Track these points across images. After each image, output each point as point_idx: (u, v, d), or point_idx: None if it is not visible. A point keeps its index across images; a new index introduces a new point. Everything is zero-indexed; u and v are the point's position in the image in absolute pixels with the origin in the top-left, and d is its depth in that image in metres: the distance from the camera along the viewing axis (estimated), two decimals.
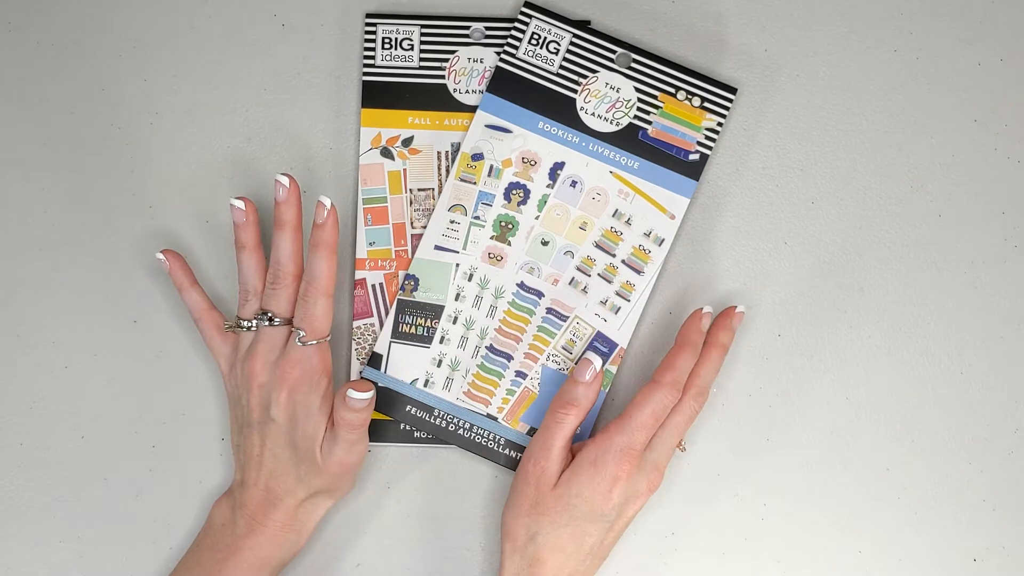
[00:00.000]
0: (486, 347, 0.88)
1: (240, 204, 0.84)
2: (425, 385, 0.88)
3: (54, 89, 0.91)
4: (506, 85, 0.88)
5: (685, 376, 0.83)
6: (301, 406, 0.82)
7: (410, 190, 0.89)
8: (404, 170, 0.89)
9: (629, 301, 0.87)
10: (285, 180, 0.82)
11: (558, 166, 0.88)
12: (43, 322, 0.90)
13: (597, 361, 0.83)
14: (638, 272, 0.88)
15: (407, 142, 0.89)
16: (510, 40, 0.88)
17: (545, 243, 0.88)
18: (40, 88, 0.91)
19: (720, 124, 0.88)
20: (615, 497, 0.80)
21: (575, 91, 0.88)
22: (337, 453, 0.82)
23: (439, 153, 0.89)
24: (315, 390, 0.82)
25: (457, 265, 0.88)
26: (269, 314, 0.83)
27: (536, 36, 0.88)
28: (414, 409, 0.88)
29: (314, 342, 0.82)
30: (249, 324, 0.84)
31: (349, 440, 0.82)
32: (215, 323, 0.86)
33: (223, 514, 0.85)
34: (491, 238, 0.88)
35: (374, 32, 0.89)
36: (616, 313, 0.87)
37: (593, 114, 0.88)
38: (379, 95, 0.89)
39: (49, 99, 0.91)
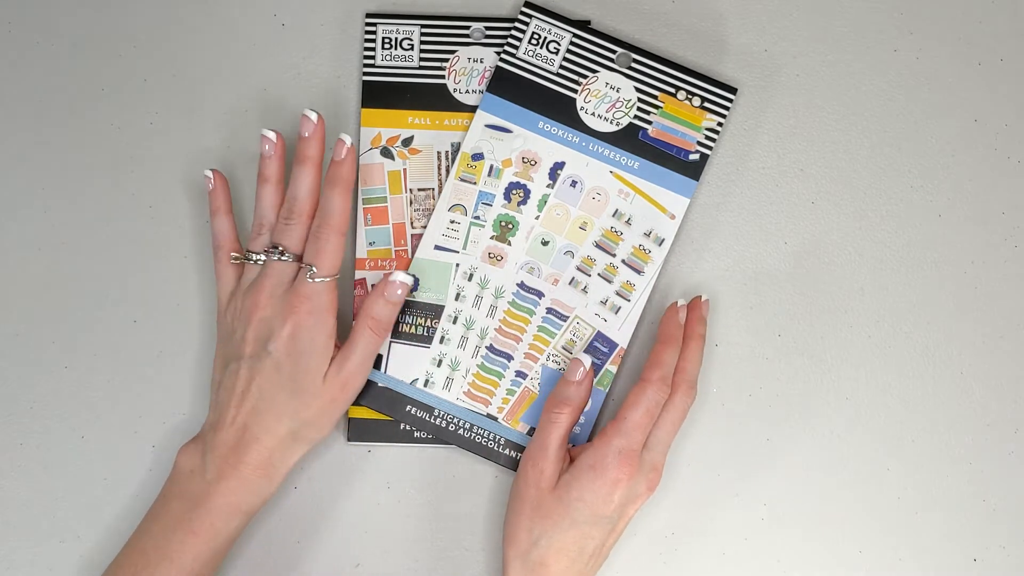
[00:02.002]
0: (486, 347, 0.89)
1: (272, 135, 0.85)
2: (425, 385, 0.88)
3: (54, 89, 0.92)
4: (506, 85, 0.89)
5: (671, 370, 0.84)
6: (305, 341, 0.82)
7: (410, 190, 0.90)
8: (404, 170, 0.89)
9: (629, 301, 0.88)
10: (313, 115, 0.84)
11: (558, 166, 0.89)
12: (43, 322, 0.90)
13: (587, 360, 0.84)
14: (638, 272, 0.88)
15: (407, 142, 0.90)
16: (510, 40, 0.89)
17: (545, 243, 0.89)
18: (40, 88, 0.92)
19: (720, 124, 0.89)
20: (616, 499, 0.81)
21: (575, 91, 0.89)
22: (348, 367, 0.83)
23: (439, 153, 0.90)
24: (321, 326, 0.83)
25: (457, 265, 0.89)
26: (280, 248, 0.83)
27: (536, 36, 0.89)
28: (414, 409, 0.88)
29: (324, 279, 0.83)
30: (258, 257, 0.84)
31: (369, 349, 0.84)
32: (231, 253, 0.87)
33: (191, 460, 0.83)
34: (491, 238, 0.89)
35: (374, 32, 0.90)
36: (616, 313, 0.88)
37: (593, 114, 0.89)
38: (379, 95, 0.90)
39: (49, 99, 0.92)
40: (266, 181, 0.86)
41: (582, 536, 0.82)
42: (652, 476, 0.83)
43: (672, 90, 0.89)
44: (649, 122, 0.89)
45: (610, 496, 0.81)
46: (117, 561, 0.82)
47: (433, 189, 0.90)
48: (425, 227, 0.89)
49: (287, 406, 0.82)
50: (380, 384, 0.88)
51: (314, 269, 0.82)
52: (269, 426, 0.82)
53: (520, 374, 0.88)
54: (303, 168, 0.84)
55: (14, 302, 0.91)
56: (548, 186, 0.89)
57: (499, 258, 0.89)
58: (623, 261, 0.89)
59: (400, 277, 0.84)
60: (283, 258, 0.83)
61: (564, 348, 0.88)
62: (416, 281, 0.89)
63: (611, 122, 0.89)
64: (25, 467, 0.90)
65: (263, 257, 0.84)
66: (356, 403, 0.88)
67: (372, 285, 0.89)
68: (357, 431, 0.89)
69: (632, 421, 0.83)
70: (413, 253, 0.89)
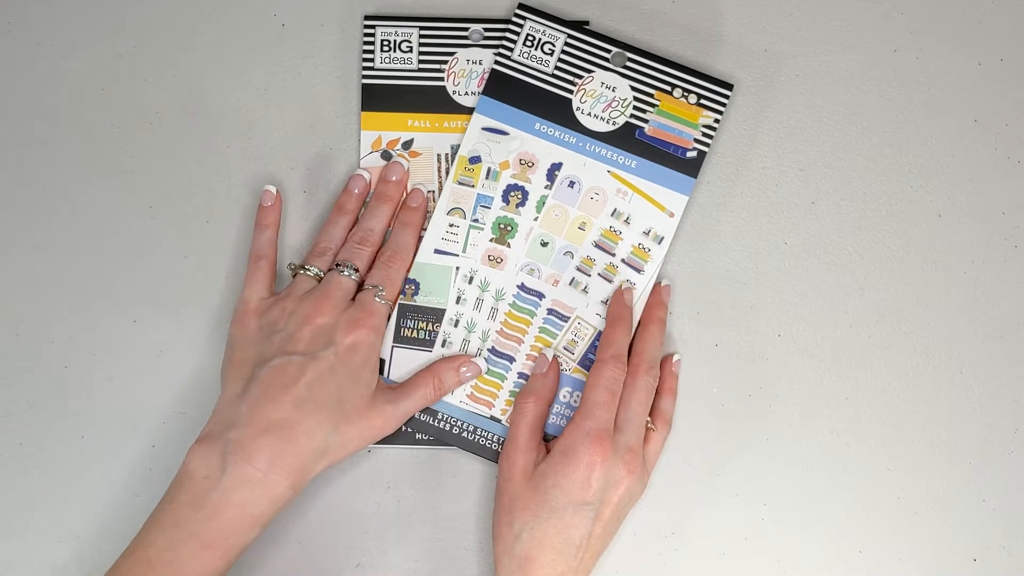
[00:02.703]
0: (488, 349, 0.89)
1: (367, 176, 0.90)
2: None
3: (54, 89, 0.92)
4: (502, 87, 0.89)
5: (624, 349, 0.86)
6: (363, 355, 0.84)
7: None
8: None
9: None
10: (405, 164, 0.90)
11: (556, 167, 0.89)
12: (43, 322, 0.91)
13: (549, 352, 0.87)
14: (638, 271, 0.89)
15: (407, 145, 0.90)
16: (504, 42, 0.90)
17: (544, 244, 0.89)
18: (40, 88, 0.92)
19: (717, 120, 0.89)
20: (595, 483, 0.81)
21: (571, 91, 0.89)
22: (397, 409, 0.85)
23: (439, 155, 0.90)
24: (378, 344, 0.86)
25: (457, 268, 0.89)
26: (352, 265, 0.86)
27: (531, 38, 0.89)
28: (418, 412, 0.89)
29: (389, 302, 0.86)
30: (316, 271, 0.87)
31: (422, 403, 0.87)
32: (271, 268, 0.88)
33: (207, 464, 0.80)
34: (490, 240, 0.89)
35: (373, 35, 0.91)
36: None
37: (589, 114, 0.89)
38: (379, 97, 0.91)
39: (49, 99, 0.92)
40: (345, 213, 0.89)
41: (564, 526, 0.82)
42: (629, 458, 0.83)
43: (668, 88, 0.89)
44: (646, 120, 0.89)
45: (587, 480, 0.81)
46: (117, 571, 0.79)
47: (434, 191, 0.90)
48: (425, 229, 0.90)
49: (333, 413, 0.82)
50: None
51: (382, 291, 0.86)
52: (311, 428, 0.81)
53: (523, 376, 0.89)
54: (384, 206, 0.89)
55: (14, 302, 0.91)
56: (546, 187, 0.89)
57: (499, 260, 0.89)
58: (623, 260, 0.89)
59: (479, 365, 0.88)
60: (352, 275, 0.86)
61: (566, 349, 0.89)
62: (415, 284, 0.89)
63: (608, 122, 0.89)
64: (25, 467, 0.90)
65: (316, 270, 0.87)
66: None
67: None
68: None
69: (594, 401, 0.84)
70: (414, 256, 0.90)
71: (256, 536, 0.80)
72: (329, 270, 0.87)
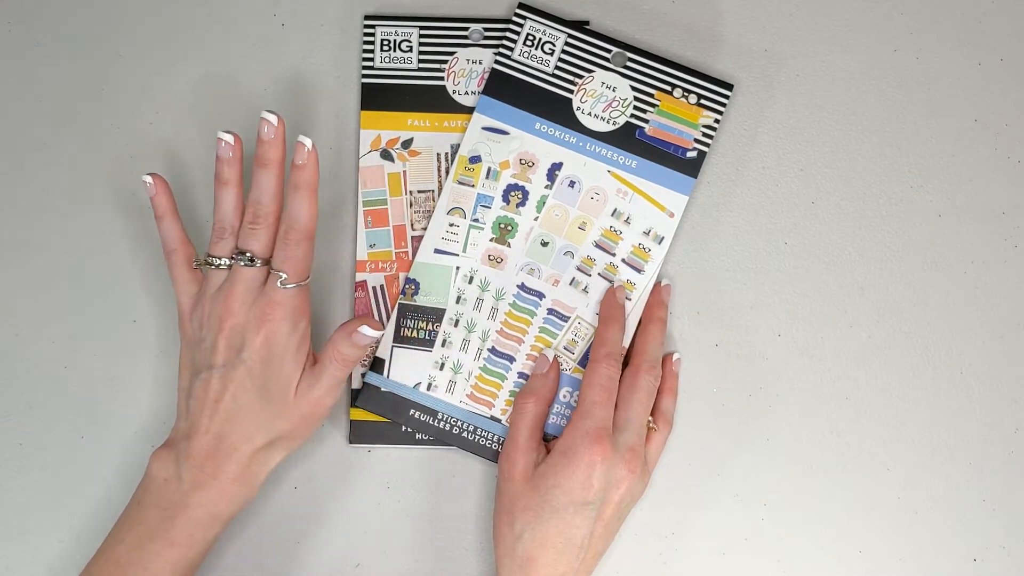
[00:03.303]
0: (488, 349, 0.89)
1: (229, 138, 0.83)
2: (428, 389, 0.89)
3: (54, 89, 0.93)
4: (502, 87, 0.90)
5: (618, 347, 0.86)
6: (278, 348, 0.81)
7: (410, 192, 0.91)
8: (404, 172, 0.90)
9: (630, 300, 0.89)
10: (272, 118, 0.81)
11: (556, 167, 0.89)
12: (43, 322, 0.91)
13: (549, 352, 0.88)
14: (638, 271, 0.89)
15: (407, 144, 0.91)
16: (505, 42, 0.90)
17: (545, 244, 0.89)
18: (40, 88, 0.93)
19: (717, 121, 0.90)
20: (595, 482, 0.81)
21: (571, 91, 0.90)
22: (317, 390, 0.82)
23: (439, 155, 0.91)
24: (295, 332, 0.82)
25: (457, 268, 0.90)
26: (248, 254, 0.82)
27: (531, 37, 0.90)
28: (418, 413, 0.89)
29: (295, 285, 0.81)
30: (222, 262, 0.83)
31: (337, 378, 0.83)
32: (187, 258, 0.85)
33: (165, 468, 0.82)
34: (490, 240, 0.90)
35: (373, 34, 0.91)
36: None
37: (590, 114, 0.89)
38: (378, 97, 0.91)
39: (49, 99, 0.93)
40: (225, 184, 0.83)
41: (565, 526, 0.82)
42: (630, 457, 0.83)
43: (668, 88, 0.90)
44: (646, 120, 0.90)
45: (588, 479, 0.82)
46: (89, 571, 0.81)
47: (433, 191, 0.90)
48: (425, 229, 0.90)
49: (263, 414, 0.82)
50: (383, 389, 0.89)
51: (284, 276, 0.81)
52: (248, 434, 0.82)
53: (523, 376, 0.89)
54: (266, 172, 0.82)
55: (14, 302, 0.91)
56: (546, 187, 0.89)
57: (499, 260, 0.90)
58: (623, 260, 0.89)
59: (369, 332, 0.82)
60: (251, 264, 0.82)
61: (566, 348, 0.89)
62: (415, 284, 0.89)
63: (608, 121, 0.89)
64: (25, 467, 0.90)
65: (227, 262, 0.83)
66: (360, 407, 0.89)
67: (373, 288, 0.89)
68: (358, 433, 0.89)
69: (591, 400, 0.84)
70: (414, 255, 0.90)
71: (220, 532, 0.83)
72: (232, 258, 0.83)
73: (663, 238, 0.89)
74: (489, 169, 0.90)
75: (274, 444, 0.83)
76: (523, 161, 0.90)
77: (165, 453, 0.83)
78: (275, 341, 0.81)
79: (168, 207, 0.86)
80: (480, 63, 0.91)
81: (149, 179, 0.85)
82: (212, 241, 0.84)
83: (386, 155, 0.91)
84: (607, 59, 0.90)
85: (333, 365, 0.82)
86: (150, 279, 0.92)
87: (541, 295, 0.89)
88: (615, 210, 0.89)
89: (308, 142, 0.81)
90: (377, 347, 0.89)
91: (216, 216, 0.84)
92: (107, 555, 0.81)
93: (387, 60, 0.91)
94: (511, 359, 0.89)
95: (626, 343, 0.88)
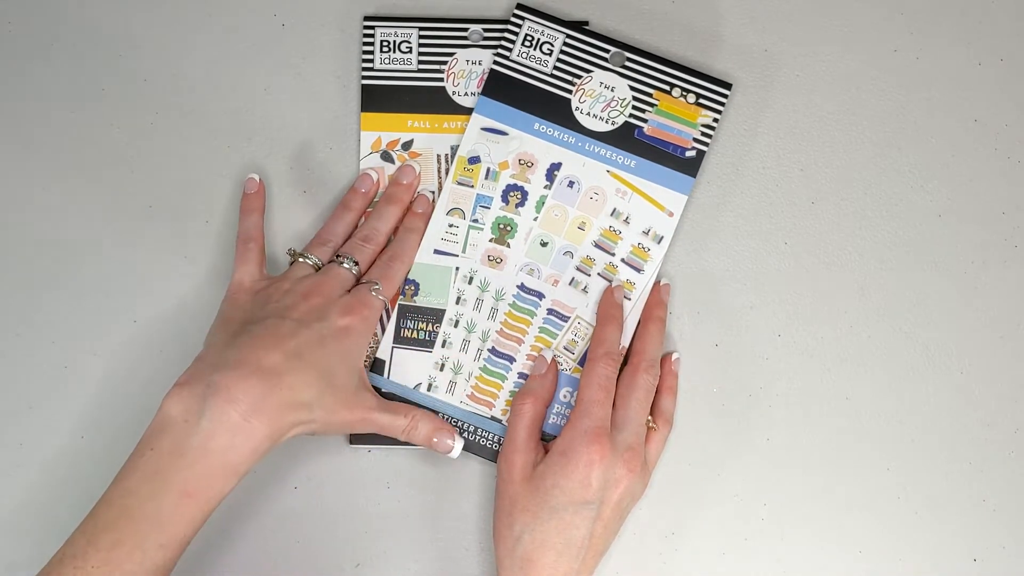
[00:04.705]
0: (488, 350, 0.90)
1: (374, 175, 0.91)
2: (428, 389, 0.90)
3: (54, 89, 0.93)
4: (501, 88, 0.90)
5: (616, 346, 0.86)
6: (353, 342, 0.84)
7: None
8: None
9: (630, 300, 0.89)
10: (416, 167, 0.91)
11: (555, 167, 0.90)
12: (43, 322, 0.91)
13: (548, 353, 0.88)
14: (638, 271, 0.90)
15: (407, 145, 0.91)
16: (503, 43, 0.90)
17: (544, 244, 0.90)
18: (40, 88, 0.93)
19: (716, 120, 0.90)
20: (594, 482, 0.82)
21: (570, 91, 0.90)
22: (376, 416, 0.85)
23: (439, 156, 0.91)
24: (368, 336, 0.86)
25: (457, 269, 0.90)
26: (352, 258, 0.87)
27: (529, 38, 0.90)
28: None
29: (385, 298, 0.87)
30: (315, 261, 0.87)
31: (395, 430, 0.86)
32: (261, 250, 0.89)
33: (185, 406, 0.78)
34: (490, 241, 0.90)
35: (372, 35, 0.91)
36: None
37: (588, 114, 0.90)
38: (378, 98, 0.91)
39: (49, 99, 0.93)
40: (350, 211, 0.90)
41: (565, 526, 0.82)
42: (629, 456, 0.83)
43: (667, 87, 0.90)
44: (645, 120, 0.90)
45: (587, 479, 0.82)
46: (95, 522, 0.77)
47: (433, 192, 0.91)
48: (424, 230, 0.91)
49: (319, 379, 0.81)
50: (384, 390, 0.90)
51: (378, 286, 0.86)
52: (297, 383, 0.80)
53: (523, 376, 0.90)
54: (392, 208, 0.90)
55: (14, 302, 0.92)
56: (545, 187, 0.90)
57: (498, 260, 0.90)
58: (623, 260, 0.90)
59: (455, 445, 0.87)
60: (352, 268, 0.87)
61: (566, 348, 0.89)
62: (415, 285, 0.90)
63: (607, 121, 0.90)
64: (25, 467, 0.91)
65: (315, 260, 0.87)
66: None
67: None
68: (359, 434, 0.90)
69: (589, 399, 0.84)
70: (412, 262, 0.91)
71: (235, 485, 0.79)
72: (329, 262, 0.87)
73: (662, 238, 0.90)
74: (488, 169, 0.90)
75: (308, 412, 0.81)
76: (522, 161, 0.90)
77: (185, 391, 0.79)
78: (352, 334, 0.84)
79: (260, 206, 0.91)
80: (480, 64, 0.91)
81: (256, 178, 0.91)
82: (311, 244, 0.89)
83: (386, 156, 0.91)
84: (605, 59, 0.90)
85: (404, 422, 0.86)
86: (150, 279, 0.92)
87: (541, 295, 0.90)
88: (614, 210, 0.90)
89: (430, 196, 0.91)
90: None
91: (325, 229, 0.90)
92: (115, 504, 0.77)
93: (387, 61, 0.91)
94: (511, 359, 0.90)
95: (625, 343, 0.89)
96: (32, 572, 0.86)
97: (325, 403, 0.82)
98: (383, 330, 0.90)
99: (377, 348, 0.90)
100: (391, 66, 0.92)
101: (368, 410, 0.85)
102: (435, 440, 0.86)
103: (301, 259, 0.87)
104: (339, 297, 0.85)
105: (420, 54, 0.92)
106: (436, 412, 0.89)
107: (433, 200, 0.91)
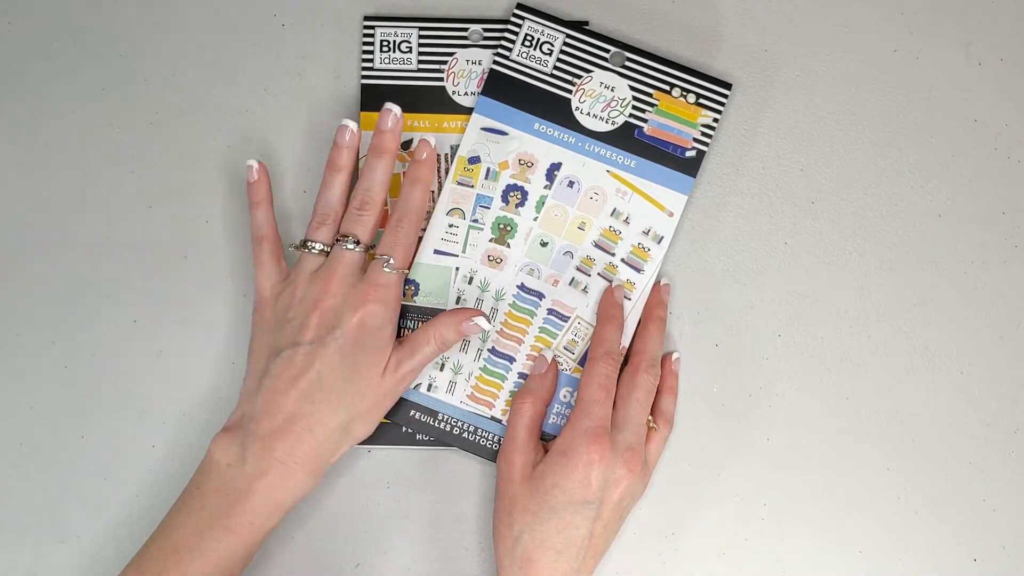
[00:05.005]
0: (488, 350, 0.90)
1: (353, 125, 0.87)
2: (428, 390, 0.90)
3: (54, 89, 0.93)
4: (501, 87, 0.90)
5: (616, 346, 0.87)
6: (372, 330, 0.84)
7: None
8: (404, 173, 0.90)
9: (630, 300, 0.90)
10: (397, 109, 0.86)
11: (555, 167, 0.90)
12: (43, 322, 0.92)
13: (548, 353, 0.88)
14: (638, 271, 0.90)
15: (407, 145, 0.91)
16: (503, 42, 0.91)
17: (544, 244, 0.90)
18: (40, 88, 0.93)
19: (716, 120, 0.90)
20: (594, 481, 0.82)
21: (570, 91, 0.90)
22: (406, 366, 0.85)
23: (439, 156, 0.91)
24: (390, 317, 0.85)
25: (457, 269, 0.90)
26: (351, 238, 0.85)
27: (529, 38, 0.90)
28: (418, 414, 0.90)
29: (399, 270, 0.85)
30: (319, 246, 0.86)
31: (429, 358, 0.86)
32: (275, 246, 0.88)
33: (228, 453, 0.82)
34: (490, 241, 0.90)
35: (372, 35, 0.92)
36: None
37: (588, 114, 0.90)
38: (378, 98, 0.91)
39: (49, 99, 0.93)
40: (339, 171, 0.87)
41: (564, 525, 0.82)
42: (629, 456, 0.84)
43: (667, 87, 0.90)
44: (645, 120, 0.90)
45: (587, 478, 0.82)
46: (143, 556, 0.81)
47: (433, 192, 0.91)
48: (425, 230, 0.91)
49: (344, 395, 0.83)
50: None
51: (390, 260, 0.85)
52: (323, 417, 0.82)
53: (523, 376, 0.90)
54: (381, 160, 0.86)
55: (14, 302, 0.92)
56: (545, 187, 0.90)
57: (498, 260, 0.90)
58: (623, 260, 0.90)
59: (482, 323, 0.86)
60: (354, 248, 0.85)
61: (566, 348, 0.90)
62: (415, 285, 0.90)
63: (607, 121, 0.90)
64: (25, 467, 0.91)
65: (320, 246, 0.86)
66: None
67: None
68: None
69: (589, 399, 0.85)
70: (414, 256, 0.91)
71: (279, 521, 0.82)
72: (336, 241, 0.86)
73: (662, 238, 0.90)
74: (488, 169, 0.90)
75: (347, 430, 0.84)
76: (522, 161, 0.90)
77: (228, 437, 0.83)
78: (371, 323, 0.84)
79: (265, 195, 0.89)
80: (479, 64, 0.91)
81: (255, 164, 0.88)
82: (312, 226, 0.87)
83: None
84: (605, 59, 0.90)
85: (430, 346, 0.85)
86: (150, 279, 0.92)
87: (541, 295, 0.90)
88: (614, 210, 0.90)
89: (432, 141, 0.87)
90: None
91: (320, 202, 0.87)
92: (163, 540, 0.81)
93: (387, 61, 0.92)
94: (511, 359, 0.90)
95: (626, 343, 0.89)
96: (32, 572, 0.87)
97: (356, 406, 0.84)
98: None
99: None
100: (391, 66, 0.92)
101: (395, 373, 0.85)
102: (464, 331, 0.86)
103: (306, 250, 0.86)
104: (351, 287, 0.84)
105: (420, 54, 0.92)
106: (435, 413, 0.90)
107: (435, 146, 0.89)
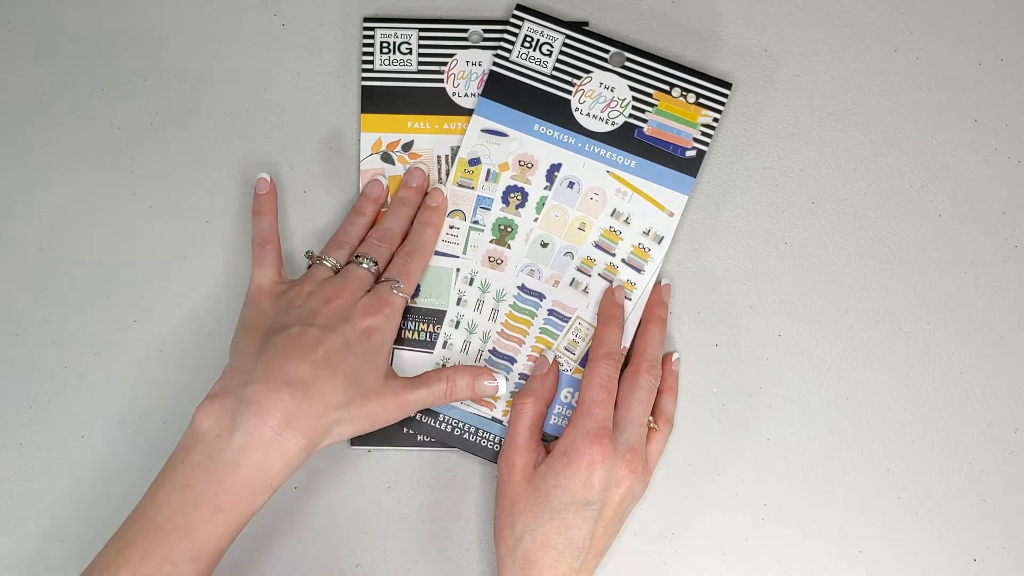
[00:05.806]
0: (489, 351, 0.90)
1: (384, 181, 0.91)
2: None
3: (54, 89, 0.93)
4: (501, 89, 0.91)
5: (617, 346, 0.87)
6: (377, 342, 0.85)
7: None
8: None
9: (630, 300, 0.90)
10: (425, 169, 0.91)
11: (555, 168, 0.90)
12: (43, 322, 0.92)
13: (549, 353, 0.89)
14: (638, 271, 0.90)
15: (407, 146, 0.92)
16: (503, 44, 0.91)
17: (544, 245, 0.90)
18: (40, 88, 0.93)
19: (716, 120, 0.90)
20: (596, 482, 0.82)
21: (569, 92, 0.90)
22: (412, 396, 0.85)
23: (439, 157, 0.92)
24: (392, 334, 0.87)
25: (458, 270, 0.91)
26: (369, 257, 0.87)
27: (529, 39, 0.91)
28: (420, 415, 0.90)
29: (405, 295, 0.87)
30: (334, 262, 0.87)
31: (433, 399, 0.86)
32: (277, 251, 0.89)
33: (218, 421, 0.79)
34: (491, 242, 0.91)
35: (372, 37, 0.92)
36: None
37: (588, 114, 0.90)
38: (378, 100, 0.92)
39: (49, 99, 0.93)
40: (362, 215, 0.90)
41: (566, 526, 0.82)
42: (630, 457, 0.84)
43: (667, 87, 0.90)
44: (644, 120, 0.90)
45: (588, 479, 0.83)
46: (123, 537, 0.78)
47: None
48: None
49: (347, 385, 0.82)
50: None
51: (400, 284, 0.86)
52: (327, 392, 0.81)
53: (524, 377, 0.90)
54: (403, 208, 0.90)
55: (14, 302, 0.92)
56: (545, 188, 0.90)
57: (499, 261, 0.91)
58: (623, 260, 0.90)
59: (500, 386, 0.88)
60: (371, 268, 0.87)
61: (567, 349, 0.90)
62: (416, 286, 0.91)
63: (606, 122, 0.90)
64: (25, 467, 0.91)
65: (334, 262, 0.87)
66: None
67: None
68: (359, 435, 0.89)
69: (590, 400, 0.85)
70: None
71: (266, 500, 0.80)
72: (348, 263, 0.87)
73: (663, 238, 0.90)
74: (488, 171, 0.91)
75: (339, 420, 0.82)
76: (522, 162, 0.91)
77: (216, 404, 0.80)
78: (375, 336, 0.84)
79: (272, 207, 0.91)
80: (479, 65, 0.92)
81: (267, 177, 0.90)
82: (328, 247, 0.89)
83: (387, 158, 0.92)
84: (605, 59, 0.91)
85: (440, 389, 0.86)
86: (150, 279, 0.92)
87: (541, 296, 0.90)
88: (614, 210, 0.90)
89: (445, 190, 0.91)
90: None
91: (340, 232, 0.90)
92: (145, 519, 0.78)
93: (387, 62, 0.92)
94: (512, 360, 0.90)
95: (626, 343, 0.89)
96: (32, 572, 0.87)
97: (355, 404, 0.83)
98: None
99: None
100: (391, 67, 0.92)
101: (399, 394, 0.85)
102: (477, 389, 0.87)
103: (320, 261, 0.88)
104: (361, 298, 0.85)
105: (420, 55, 0.92)
106: (436, 414, 0.90)
107: (445, 195, 0.91)
